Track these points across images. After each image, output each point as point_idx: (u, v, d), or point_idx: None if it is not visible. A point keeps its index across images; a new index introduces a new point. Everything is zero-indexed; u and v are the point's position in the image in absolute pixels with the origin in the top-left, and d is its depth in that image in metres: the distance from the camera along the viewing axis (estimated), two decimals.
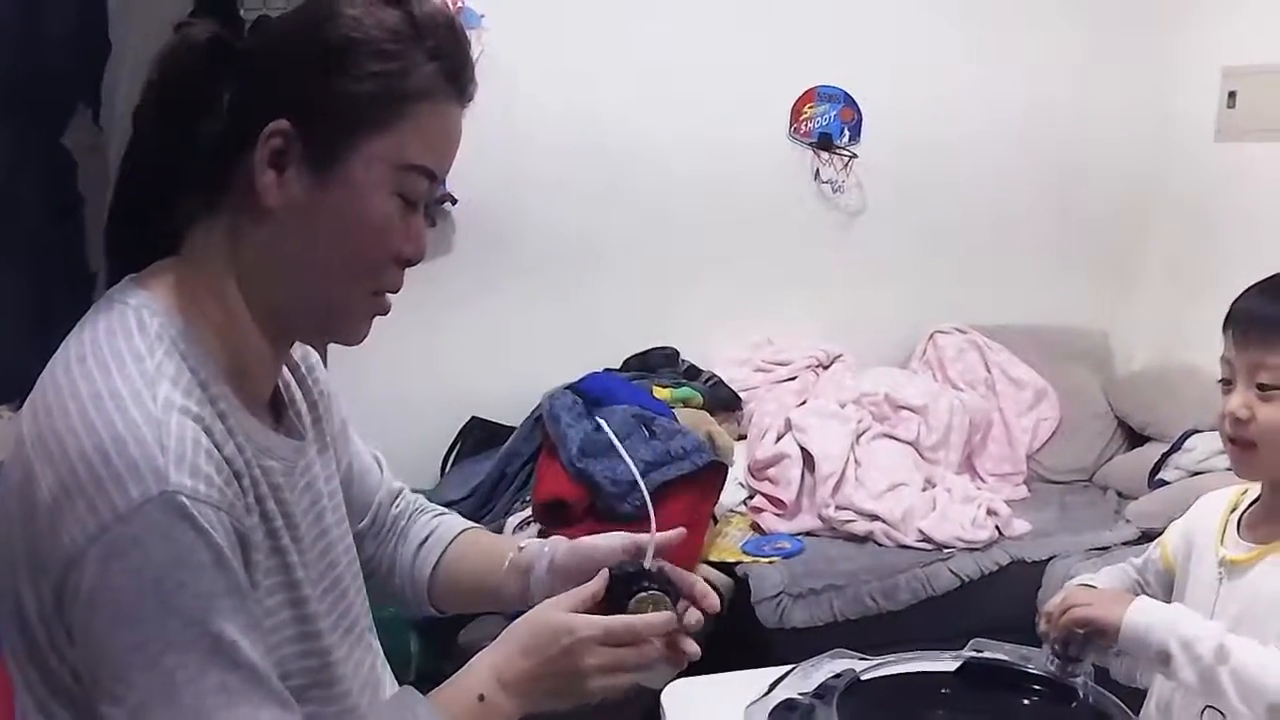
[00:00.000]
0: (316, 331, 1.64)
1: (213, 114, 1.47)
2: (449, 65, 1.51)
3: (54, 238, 5.12)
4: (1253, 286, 2.15)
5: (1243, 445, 2.08)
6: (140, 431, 1.29)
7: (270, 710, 1.34)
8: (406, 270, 1.56)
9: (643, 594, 1.66)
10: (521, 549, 1.89)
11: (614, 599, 1.66)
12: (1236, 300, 2.14)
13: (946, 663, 2.19)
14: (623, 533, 1.84)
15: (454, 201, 4.91)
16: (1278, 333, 2.04)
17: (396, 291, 1.57)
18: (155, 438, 1.29)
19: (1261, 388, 2.04)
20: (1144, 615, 1.98)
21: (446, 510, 2.07)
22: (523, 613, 1.66)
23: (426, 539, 1.99)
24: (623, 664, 1.60)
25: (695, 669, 1.79)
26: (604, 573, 1.68)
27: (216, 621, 1.29)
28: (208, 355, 1.44)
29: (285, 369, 1.70)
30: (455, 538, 1.98)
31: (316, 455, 1.69)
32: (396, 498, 2.04)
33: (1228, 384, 2.11)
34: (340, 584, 1.67)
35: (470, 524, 2.03)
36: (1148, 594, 2.24)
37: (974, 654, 2.19)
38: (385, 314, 1.59)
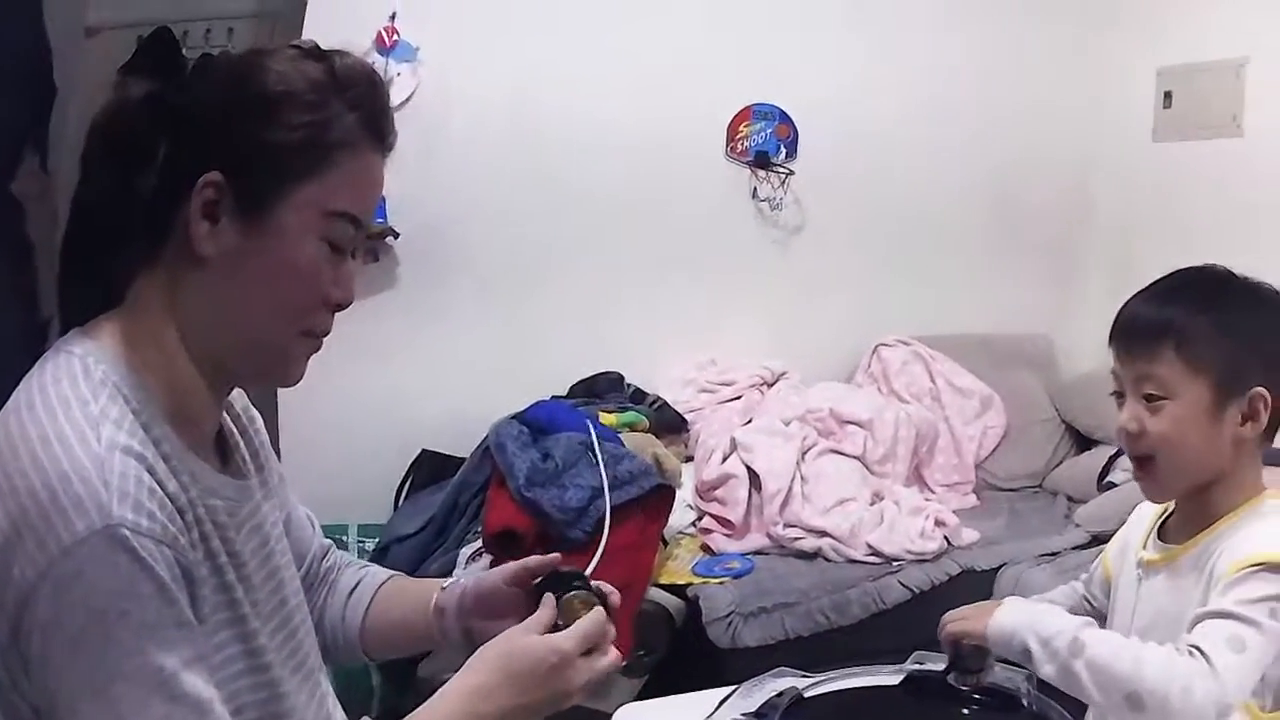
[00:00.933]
0: (253, 374, 1.66)
1: (150, 168, 1.51)
2: (369, 115, 1.56)
3: (4, 284, 5.10)
4: (1135, 294, 2.14)
5: (1141, 460, 2.06)
6: (84, 469, 1.32)
7: None
8: (355, 305, 1.62)
9: (571, 593, 1.72)
10: (444, 589, 1.93)
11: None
12: (1120, 310, 2.13)
13: (889, 676, 2.21)
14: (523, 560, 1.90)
15: (395, 235, 4.91)
16: (1156, 340, 2.01)
17: (326, 334, 1.61)
18: (99, 475, 1.32)
19: (1148, 398, 2.01)
20: (1008, 617, 2.01)
21: (370, 564, 2.10)
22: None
23: (354, 589, 2.01)
24: (602, 671, 1.66)
25: (648, 691, 1.81)
26: (547, 597, 1.72)
27: (159, 653, 1.32)
28: (151, 399, 1.47)
29: (228, 416, 1.73)
30: (381, 585, 2.01)
31: (262, 499, 1.72)
32: (326, 554, 2.06)
33: (1119, 396, 2.10)
34: (290, 622, 1.69)
35: (393, 573, 2.06)
36: (1093, 606, 2.27)
37: (916, 666, 2.20)
38: (318, 351, 1.64)
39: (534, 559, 1.86)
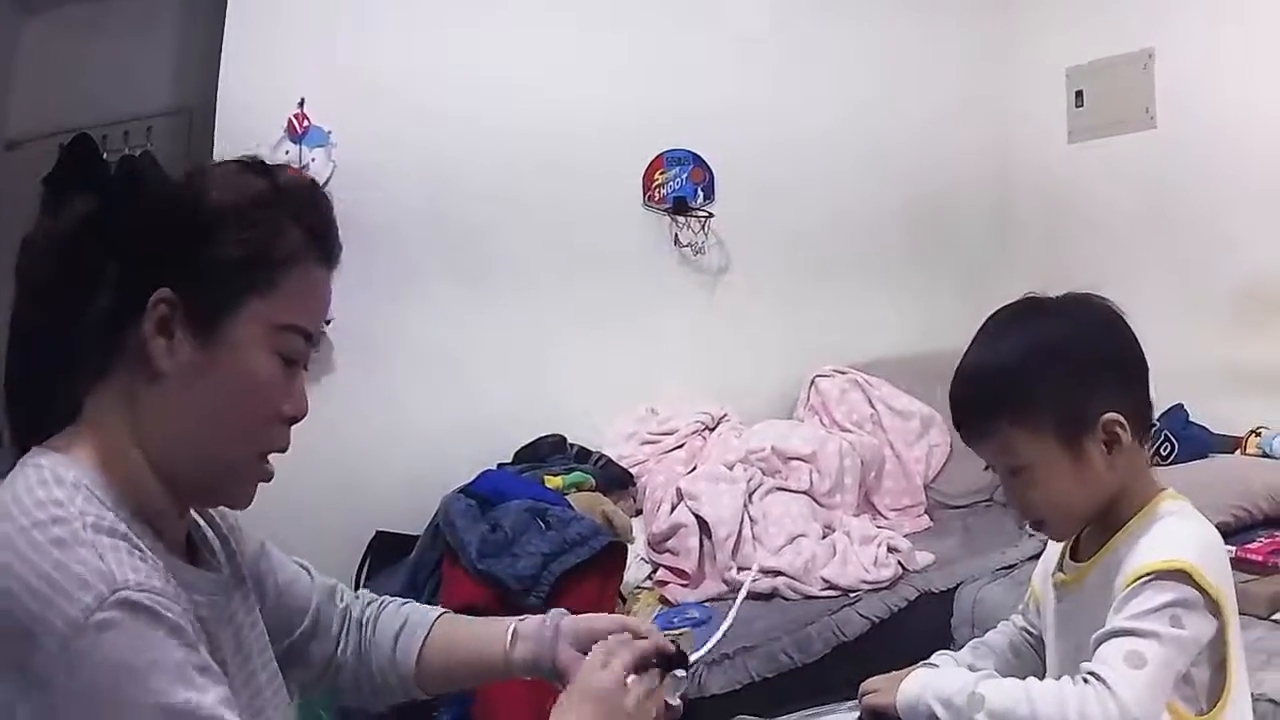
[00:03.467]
0: (206, 491, 1.65)
1: (99, 288, 1.53)
2: (312, 229, 1.60)
3: None
4: (955, 372, 2.09)
5: (1035, 524, 2.05)
6: (78, 553, 1.33)
7: None
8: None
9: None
10: (522, 621, 2.00)
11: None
12: (950, 391, 2.09)
13: (844, 714, 2.23)
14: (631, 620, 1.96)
15: (327, 321, 4.91)
16: (988, 424, 1.99)
17: (284, 450, 1.64)
18: (94, 553, 1.34)
19: (1011, 470, 1.98)
20: (912, 686, 2.04)
21: (407, 600, 2.12)
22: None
23: (401, 628, 2.03)
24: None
25: None
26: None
27: (190, 691, 1.34)
28: (122, 502, 1.47)
29: (193, 512, 1.72)
30: (434, 622, 2.03)
31: (235, 590, 1.74)
32: (334, 594, 2.07)
33: (990, 468, 2.07)
34: (264, 714, 1.69)
35: (441, 610, 2.08)
36: (1033, 634, 2.29)
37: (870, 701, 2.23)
38: (268, 480, 1.66)
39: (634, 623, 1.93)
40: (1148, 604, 1.81)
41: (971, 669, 2.16)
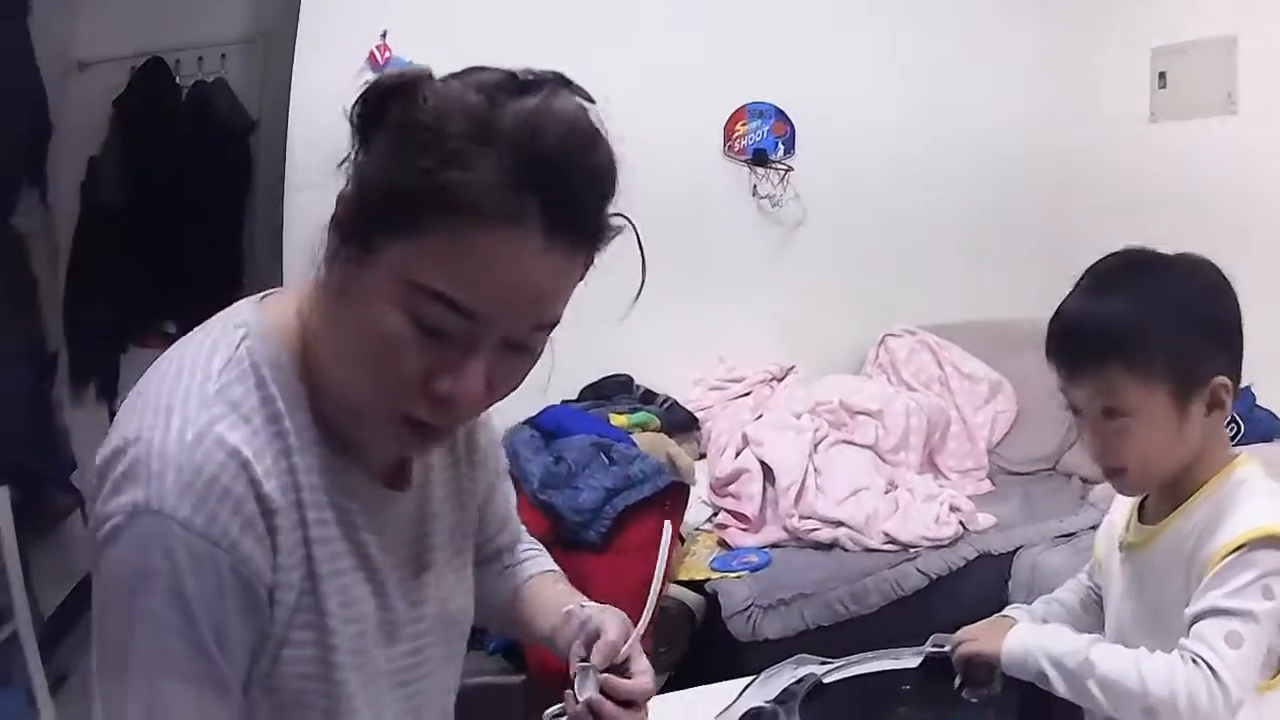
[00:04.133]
0: (355, 435, 1.44)
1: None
2: (532, 180, 1.26)
3: (11, 321, 5.13)
4: (1064, 301, 2.03)
5: (1114, 472, 1.98)
6: (164, 447, 1.28)
7: None
8: None
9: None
10: (580, 608, 1.80)
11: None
12: (1051, 320, 2.03)
13: (908, 660, 2.22)
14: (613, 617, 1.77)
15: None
16: (1100, 359, 1.91)
17: (441, 426, 1.38)
18: (175, 458, 1.27)
19: (1106, 413, 1.92)
20: (1019, 641, 2.01)
21: (533, 551, 2.04)
22: None
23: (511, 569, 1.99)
24: None
25: (670, 688, 1.81)
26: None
27: (159, 658, 1.30)
28: (298, 388, 1.39)
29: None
30: (529, 578, 1.96)
31: (424, 504, 1.61)
32: (501, 529, 1.97)
33: (1075, 413, 2.00)
34: (420, 638, 1.61)
35: (546, 569, 2.00)
36: (1099, 595, 2.25)
37: (934, 649, 2.22)
38: (421, 452, 1.55)
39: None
40: (1242, 579, 1.80)
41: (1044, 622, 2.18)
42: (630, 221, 1.47)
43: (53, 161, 5.71)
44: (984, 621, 2.21)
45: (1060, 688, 1.92)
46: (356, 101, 1.33)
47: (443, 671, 1.69)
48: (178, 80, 6.14)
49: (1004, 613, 2.27)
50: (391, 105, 1.29)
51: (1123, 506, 2.16)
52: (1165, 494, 2.00)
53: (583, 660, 1.66)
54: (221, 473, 1.29)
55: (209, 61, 6.12)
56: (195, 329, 1.43)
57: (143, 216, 6.01)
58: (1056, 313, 2.02)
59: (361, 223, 1.29)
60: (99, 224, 6.06)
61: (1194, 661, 1.80)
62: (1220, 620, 1.80)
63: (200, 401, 1.32)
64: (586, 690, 1.64)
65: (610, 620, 1.72)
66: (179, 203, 5.99)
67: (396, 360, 1.29)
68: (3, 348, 5.00)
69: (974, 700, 2.11)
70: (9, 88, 5.01)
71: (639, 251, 1.54)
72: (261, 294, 1.47)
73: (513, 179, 1.24)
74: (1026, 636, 2.03)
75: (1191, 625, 1.84)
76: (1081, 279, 2.03)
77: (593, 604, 1.81)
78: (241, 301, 1.46)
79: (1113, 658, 1.88)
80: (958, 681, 2.13)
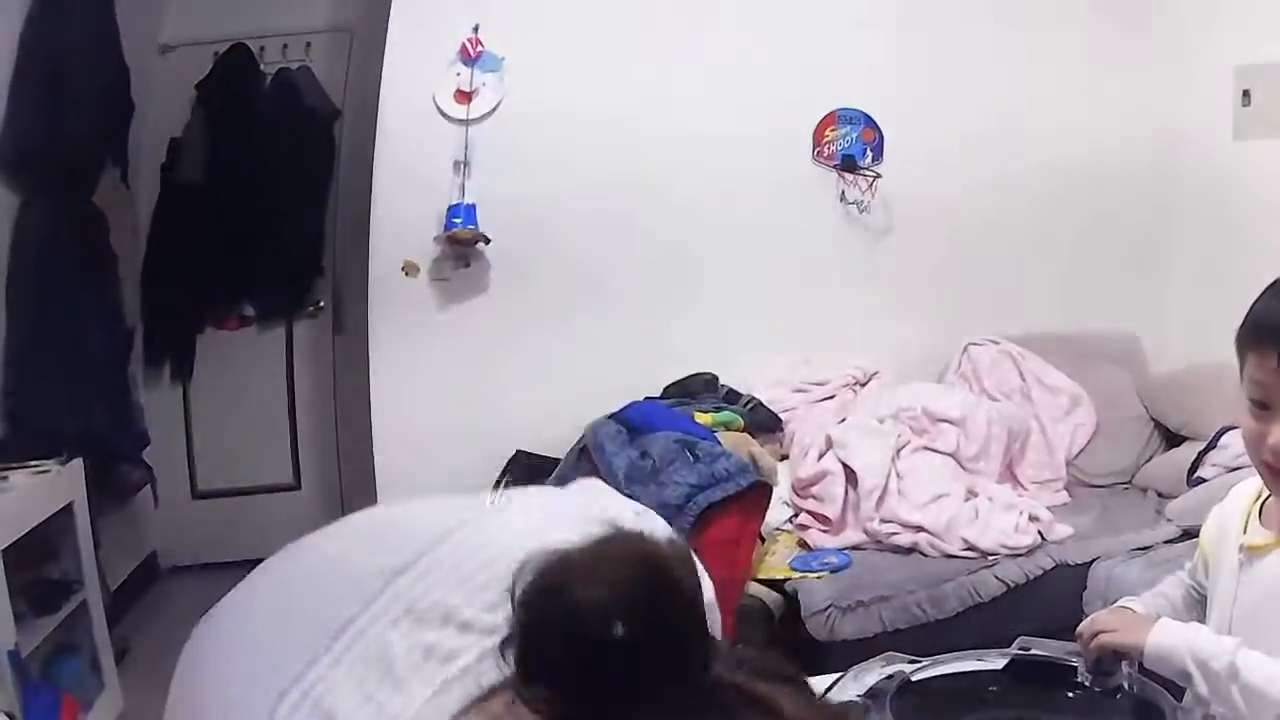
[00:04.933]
0: None
1: None
2: None
3: (91, 298, 5.23)
4: (1275, 295, 1.94)
5: (1269, 460, 1.91)
6: None
7: None
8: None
9: None
10: None
11: None
12: (1264, 313, 1.92)
13: (994, 661, 2.26)
14: None
15: (487, 241, 5.00)
16: None
17: None
18: None
19: None
20: (1164, 638, 2.00)
21: None
22: None
23: None
24: None
25: None
26: None
27: None
28: None
29: None
30: None
31: None
32: None
33: (1261, 407, 1.92)
34: None
35: None
36: (1199, 594, 2.27)
37: (1020, 651, 2.26)
38: None
39: None
40: None
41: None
42: None
43: (134, 142, 5.82)
44: (1110, 611, 2.23)
45: (1201, 688, 1.93)
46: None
47: None
48: (261, 67, 6.23)
49: (1121, 604, 2.29)
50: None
51: (1237, 505, 2.17)
52: None
53: None
54: None
55: (294, 49, 6.21)
56: None
57: (222, 199, 6.13)
58: (1270, 301, 1.94)
59: None
60: (178, 205, 6.19)
61: None
62: None
63: None
64: None
65: None
66: (259, 187, 6.09)
67: None
68: (82, 322, 5.10)
69: (1099, 690, 2.11)
70: (94, 68, 5.10)
71: None
72: None
73: None
74: (1174, 633, 2.02)
75: None
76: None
77: None
78: None
79: (1261, 667, 1.88)
80: (1081, 668, 2.15)
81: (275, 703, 1.20)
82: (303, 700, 1.20)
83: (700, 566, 1.13)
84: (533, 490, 1.35)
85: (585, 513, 1.33)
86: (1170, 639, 2.01)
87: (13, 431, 4.71)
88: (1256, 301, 1.96)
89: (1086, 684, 2.13)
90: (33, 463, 4.27)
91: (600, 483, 1.34)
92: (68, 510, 4.38)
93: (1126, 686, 2.07)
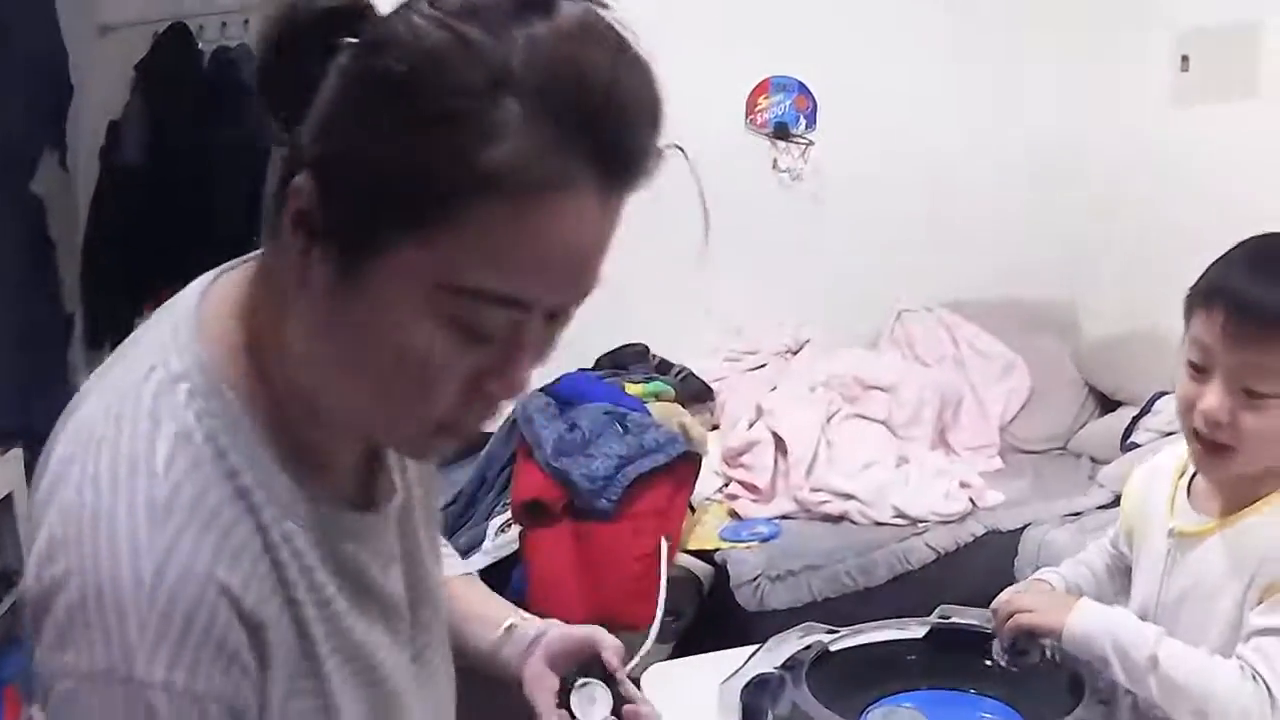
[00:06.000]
0: (356, 437, 1.24)
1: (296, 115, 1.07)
2: (580, 121, 1.03)
3: (29, 284, 5.17)
4: (1238, 258, 1.92)
5: (1215, 446, 1.89)
6: (118, 590, 1.01)
7: None
8: None
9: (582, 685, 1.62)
10: (522, 621, 1.71)
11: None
12: (1220, 274, 1.91)
13: (914, 630, 2.25)
14: (601, 631, 1.68)
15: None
16: (1255, 340, 1.82)
17: (467, 426, 1.16)
18: (136, 605, 1.01)
19: (1249, 391, 1.83)
20: (1084, 622, 1.99)
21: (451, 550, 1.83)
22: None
23: None
24: None
25: (676, 653, 1.81)
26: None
27: None
28: (261, 439, 1.13)
29: None
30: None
31: (402, 519, 1.35)
32: None
33: (1199, 370, 1.89)
34: (423, 655, 1.38)
35: (460, 571, 1.79)
36: (1124, 563, 2.25)
37: (941, 620, 2.25)
38: (465, 441, 1.35)
39: (589, 639, 1.65)
40: None
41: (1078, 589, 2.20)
42: (681, 148, 1.24)
43: (73, 125, 5.75)
44: (1027, 584, 2.22)
45: (1119, 676, 1.92)
46: (271, 41, 1.07)
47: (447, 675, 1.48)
48: (200, 45, 6.16)
49: (1038, 576, 2.29)
50: (339, 48, 1.03)
51: (1161, 479, 2.13)
52: (1233, 486, 1.97)
53: (583, 679, 1.60)
54: (197, 611, 1.03)
55: (232, 27, 6.14)
56: (119, 365, 1.19)
57: (161, 181, 6.03)
58: (1231, 272, 1.90)
59: (349, 219, 1.03)
60: (117, 188, 6.09)
61: (1254, 679, 1.80)
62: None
63: (151, 518, 1.04)
64: (598, 711, 1.58)
65: (598, 635, 1.65)
66: (198, 166, 6.01)
67: (432, 379, 1.07)
68: (19, 310, 5.04)
69: (1014, 669, 2.12)
70: (31, 51, 5.04)
71: (697, 186, 1.32)
72: (197, 293, 1.20)
73: (553, 134, 1.00)
74: (1094, 617, 2.00)
75: (1255, 635, 1.84)
76: (1266, 254, 1.92)
77: (531, 616, 1.71)
78: (173, 316, 1.19)
79: (1181, 660, 1.87)
80: (996, 646, 2.14)
81: None
82: None
83: None
84: None
85: None
86: (1090, 624, 1.99)
87: None
88: (1217, 261, 1.94)
89: (1002, 664, 2.12)
90: None
91: None
92: (7, 501, 4.33)
93: (1048, 653, 2.07)
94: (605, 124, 1.04)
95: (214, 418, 1.10)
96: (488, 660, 1.66)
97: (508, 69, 0.98)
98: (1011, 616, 2.10)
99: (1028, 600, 2.14)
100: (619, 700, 1.59)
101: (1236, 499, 1.96)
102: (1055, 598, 2.14)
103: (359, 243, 1.02)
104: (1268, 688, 1.78)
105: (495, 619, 1.69)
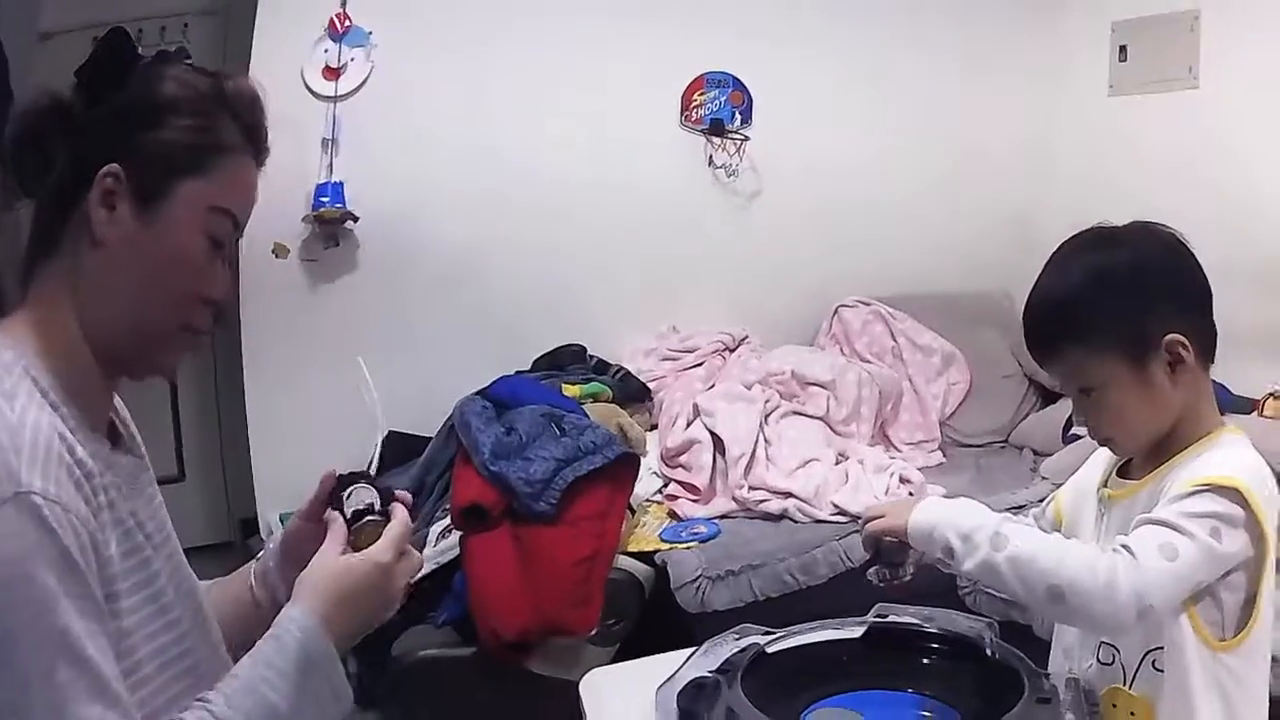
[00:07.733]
0: (136, 360, 1.72)
1: (53, 166, 1.64)
2: (250, 126, 1.74)
3: None
4: (1030, 292, 2.09)
5: (1106, 441, 2.06)
6: (16, 436, 1.43)
7: (114, 715, 1.40)
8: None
9: (363, 522, 1.81)
10: (258, 559, 2.04)
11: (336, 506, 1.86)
12: (1024, 326, 2.10)
13: (851, 630, 2.23)
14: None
15: (355, 219, 4.91)
16: (1055, 343, 2.01)
17: (205, 332, 1.74)
18: (11, 442, 1.42)
19: (1082, 390, 2.00)
20: (927, 514, 2.02)
21: None
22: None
23: None
24: (414, 569, 1.82)
25: (619, 659, 1.81)
26: (336, 527, 1.82)
27: (64, 617, 1.37)
28: (56, 381, 1.57)
29: (121, 407, 1.83)
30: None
31: (145, 473, 1.78)
32: None
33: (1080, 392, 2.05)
34: (188, 581, 1.75)
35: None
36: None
37: (877, 619, 2.23)
38: (195, 351, 1.78)
39: (321, 488, 1.93)
40: (1194, 508, 1.82)
41: None
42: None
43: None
44: (897, 499, 2.23)
45: (966, 564, 1.92)
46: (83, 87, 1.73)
47: (207, 604, 1.83)
48: (140, 49, 6.11)
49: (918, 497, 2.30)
50: (132, 100, 1.69)
51: (1098, 466, 2.19)
52: (1151, 453, 2.03)
53: (350, 487, 1.86)
54: (52, 441, 1.47)
55: (171, 31, 6.10)
56: None
57: None
58: (1026, 300, 2.08)
59: (145, 182, 1.63)
60: None
61: (1117, 550, 1.82)
62: (1160, 530, 1.83)
63: (3, 396, 1.49)
64: (365, 497, 1.84)
65: (290, 527, 1.99)
66: None
67: (194, 274, 1.68)
68: None
69: (880, 584, 2.15)
70: None
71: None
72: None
73: (242, 126, 1.72)
74: (935, 510, 2.03)
75: (1133, 529, 1.86)
76: (1050, 259, 2.09)
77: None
78: None
79: (1027, 536, 1.90)
80: (868, 563, 2.16)
81: None
82: None
83: None
84: None
85: None
86: (928, 515, 2.02)
87: None
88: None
89: (876, 582, 2.15)
90: None
91: None
92: None
93: (989, 651, 2.05)
94: (257, 125, 1.76)
95: (22, 359, 1.56)
96: (263, 614, 1.86)
97: (225, 95, 1.72)
98: (865, 528, 2.15)
99: (882, 507, 2.17)
100: (385, 498, 1.87)
101: (1157, 462, 2.01)
102: (905, 501, 2.19)
103: (158, 192, 1.64)
104: (1132, 554, 1.79)
105: (243, 582, 2.01)
